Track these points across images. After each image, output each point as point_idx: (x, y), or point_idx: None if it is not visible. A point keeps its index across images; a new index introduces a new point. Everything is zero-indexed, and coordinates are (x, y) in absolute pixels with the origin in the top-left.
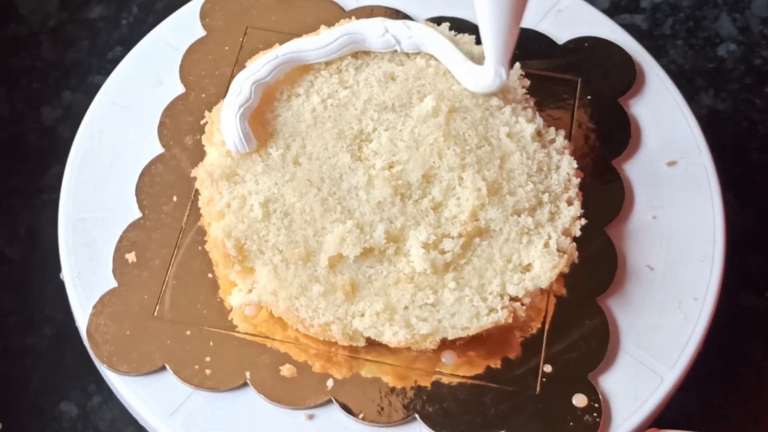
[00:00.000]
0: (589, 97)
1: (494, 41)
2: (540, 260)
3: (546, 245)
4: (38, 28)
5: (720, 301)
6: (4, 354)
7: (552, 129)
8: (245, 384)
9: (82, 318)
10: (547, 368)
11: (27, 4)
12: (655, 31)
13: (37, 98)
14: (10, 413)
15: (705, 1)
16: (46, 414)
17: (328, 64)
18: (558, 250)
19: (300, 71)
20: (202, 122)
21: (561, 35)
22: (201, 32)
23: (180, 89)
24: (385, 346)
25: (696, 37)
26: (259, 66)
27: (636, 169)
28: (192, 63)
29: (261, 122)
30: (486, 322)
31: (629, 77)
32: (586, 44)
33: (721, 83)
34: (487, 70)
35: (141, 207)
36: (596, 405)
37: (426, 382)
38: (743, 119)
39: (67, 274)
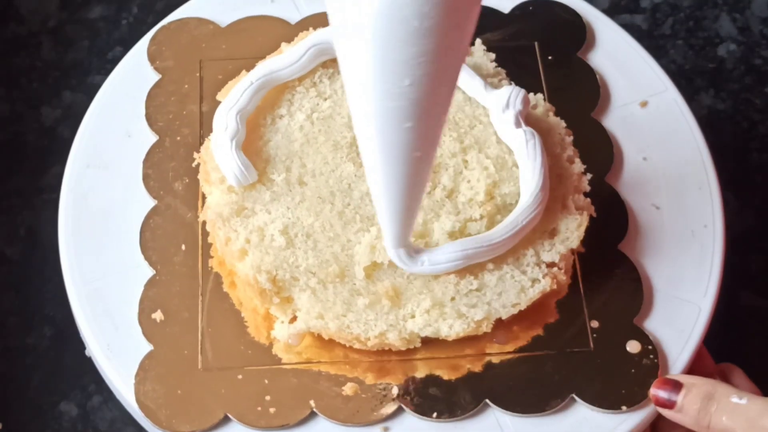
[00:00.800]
0: (549, 57)
1: (391, 225)
2: (563, 222)
3: (564, 206)
4: (38, 28)
5: (720, 300)
6: (4, 354)
7: (531, 94)
8: (313, 413)
9: (126, 390)
10: (594, 324)
11: (27, 4)
12: (655, 31)
13: (37, 98)
14: (10, 413)
15: (705, 1)
16: (46, 414)
17: (301, 79)
18: (576, 209)
19: (276, 93)
20: (193, 165)
21: (506, 5)
22: (155, 76)
23: (151, 137)
24: (432, 341)
25: (696, 37)
26: (238, 95)
27: (613, 117)
28: (156, 108)
29: (253, 151)
30: (533, 293)
31: (580, 31)
32: (531, 8)
33: (721, 83)
34: (387, 245)
35: (152, 264)
36: (650, 347)
37: (478, 367)
38: (743, 119)
39: (95, 348)
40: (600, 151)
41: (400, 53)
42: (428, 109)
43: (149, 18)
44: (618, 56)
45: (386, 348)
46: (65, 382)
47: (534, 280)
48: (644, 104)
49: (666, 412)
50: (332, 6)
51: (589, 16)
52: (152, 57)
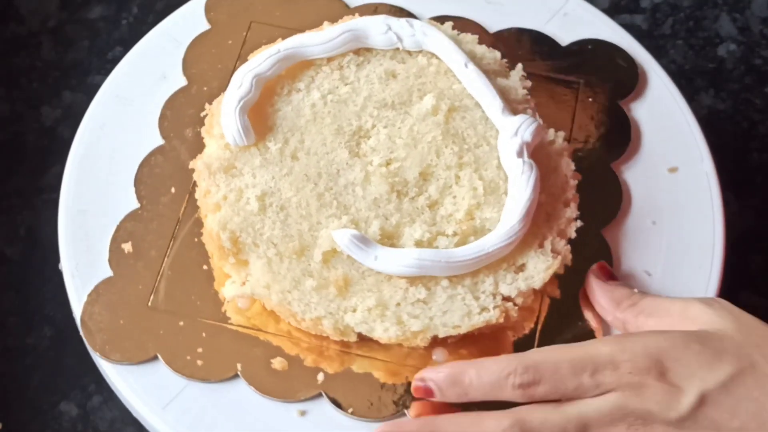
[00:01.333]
0: (590, 99)
1: None
2: (533, 261)
3: (540, 246)
4: (38, 28)
5: None
6: (4, 354)
7: (551, 130)
8: (236, 376)
9: (77, 307)
10: None
11: (27, 4)
12: (655, 31)
13: (37, 98)
14: (10, 413)
15: (705, 1)
16: (46, 414)
17: (329, 60)
18: (552, 251)
19: (301, 66)
20: (202, 114)
21: (565, 37)
22: (205, 26)
23: (183, 83)
24: (378, 342)
25: (696, 37)
26: (261, 60)
27: (635, 173)
28: (195, 56)
29: (261, 116)
30: (477, 321)
31: (631, 80)
32: (589, 46)
33: (721, 83)
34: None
35: (139, 198)
36: None
37: None
38: (743, 119)
39: (65, 265)
40: (606, 203)
41: None
42: None
43: (149, 18)
44: (662, 114)
45: (321, 333)
46: (65, 382)
47: (483, 308)
48: (674, 170)
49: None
50: None
51: (647, 67)
52: (209, 7)
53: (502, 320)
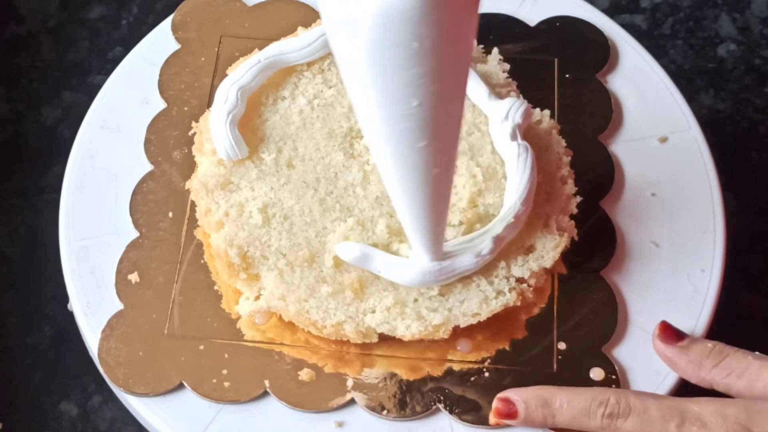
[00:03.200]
0: (567, 75)
1: (420, 241)
2: (541, 241)
3: (545, 225)
4: (38, 28)
5: (720, 301)
6: (4, 354)
7: (537, 110)
8: (266, 393)
9: (93, 344)
10: (561, 345)
11: (27, 4)
12: (655, 31)
13: (37, 98)
14: (10, 413)
15: (705, 1)
16: (46, 414)
17: (310, 64)
18: (558, 229)
19: (283, 74)
20: (190, 133)
21: (533, 18)
22: (175, 45)
23: (165, 105)
24: (395, 340)
25: (696, 37)
26: (243, 72)
27: (623, 145)
28: (170, 77)
29: (250, 128)
30: (495, 305)
31: (604, 52)
32: (557, 24)
33: (721, 83)
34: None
35: (137, 226)
36: (613, 377)
37: (438, 372)
38: (743, 119)
39: (75, 304)
40: (600, 176)
41: (403, 77)
42: (440, 126)
43: (149, 18)
44: (639, 83)
45: (342, 338)
46: (65, 382)
47: (499, 292)
48: (664, 140)
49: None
50: (329, 36)
51: (618, 38)
52: (176, 27)
53: (519, 302)
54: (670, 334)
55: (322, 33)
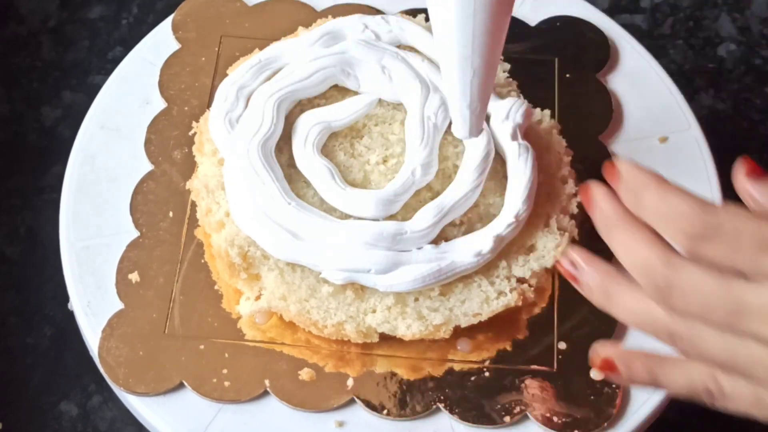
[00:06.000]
0: (567, 75)
1: (461, 108)
2: (542, 240)
3: (546, 225)
4: (38, 28)
5: None
6: (4, 354)
7: (537, 110)
8: (266, 393)
9: (94, 344)
10: (562, 345)
11: (27, 4)
12: (655, 31)
13: (37, 98)
14: (10, 413)
15: (705, 1)
16: (46, 414)
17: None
18: (558, 228)
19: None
20: (190, 133)
21: (533, 17)
22: (176, 45)
23: (164, 106)
24: (396, 340)
25: (696, 37)
26: (243, 72)
27: (624, 145)
28: (170, 77)
29: None
30: (496, 306)
31: (604, 52)
32: (558, 24)
33: (721, 83)
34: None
35: (138, 226)
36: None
37: (439, 371)
38: (743, 119)
39: (76, 304)
40: (601, 176)
41: None
42: None
43: (149, 18)
44: (640, 83)
45: (343, 338)
46: (65, 382)
47: (500, 293)
48: (664, 140)
49: None
50: None
51: (618, 38)
52: (176, 26)
53: (520, 303)
54: (757, 168)
55: (324, 33)
